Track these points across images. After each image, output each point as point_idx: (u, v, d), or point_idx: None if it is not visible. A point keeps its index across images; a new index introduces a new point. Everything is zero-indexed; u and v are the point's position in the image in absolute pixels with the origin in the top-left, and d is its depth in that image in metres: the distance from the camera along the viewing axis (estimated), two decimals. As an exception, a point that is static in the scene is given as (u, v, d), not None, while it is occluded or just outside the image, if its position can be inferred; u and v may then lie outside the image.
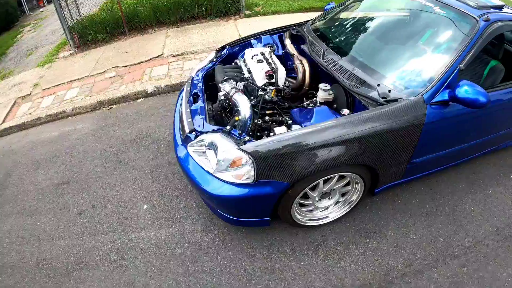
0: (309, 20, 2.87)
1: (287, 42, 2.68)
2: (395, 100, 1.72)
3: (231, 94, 2.00)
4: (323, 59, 2.16)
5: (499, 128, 2.23)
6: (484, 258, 1.98)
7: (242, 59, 2.51)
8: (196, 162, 1.82)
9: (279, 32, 2.81)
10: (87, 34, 4.84)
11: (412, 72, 1.86)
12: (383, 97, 1.77)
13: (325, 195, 1.98)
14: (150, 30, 5.09)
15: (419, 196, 2.33)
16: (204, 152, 1.82)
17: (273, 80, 2.20)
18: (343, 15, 2.65)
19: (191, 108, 2.09)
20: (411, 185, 2.38)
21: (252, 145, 1.61)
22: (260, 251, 2.02)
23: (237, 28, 5.12)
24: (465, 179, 2.45)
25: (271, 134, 1.94)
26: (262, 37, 2.75)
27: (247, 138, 1.69)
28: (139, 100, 3.67)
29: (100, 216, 2.35)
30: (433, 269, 1.93)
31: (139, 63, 4.18)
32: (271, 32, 2.81)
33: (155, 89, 3.71)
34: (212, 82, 2.49)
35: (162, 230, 2.18)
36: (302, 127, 1.79)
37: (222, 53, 2.69)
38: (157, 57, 4.30)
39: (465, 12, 1.89)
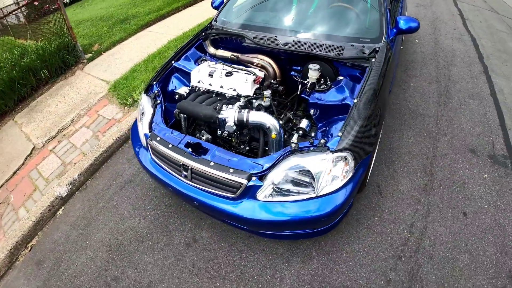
0: (211, 22, 2.69)
1: (212, 50, 2.52)
2: (373, 50, 2.02)
3: (245, 117, 1.79)
4: (284, 45, 2.20)
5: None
6: (448, 123, 2.79)
7: (197, 83, 2.17)
8: (292, 201, 1.57)
9: (193, 44, 2.55)
10: None
11: (364, 26, 2.21)
12: (363, 53, 2.03)
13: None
14: (-12, 130, 3.50)
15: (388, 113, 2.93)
16: (276, 190, 1.59)
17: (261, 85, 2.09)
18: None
19: (212, 159, 1.68)
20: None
21: (336, 142, 1.57)
22: (358, 230, 2.06)
23: (91, 75, 4.24)
24: (397, 86, 3.25)
25: (300, 132, 1.92)
26: (187, 54, 2.44)
27: (322, 140, 1.60)
28: (60, 212, 2.59)
29: None
30: (436, 149, 2.55)
31: (15, 172, 2.86)
32: (187, 47, 2.51)
33: (70, 186, 2.71)
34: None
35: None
36: (342, 105, 1.83)
37: (155, 92, 2.22)
38: (31, 153, 3.05)
39: None
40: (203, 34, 2.58)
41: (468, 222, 2.05)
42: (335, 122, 1.85)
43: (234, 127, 1.81)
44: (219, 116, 1.83)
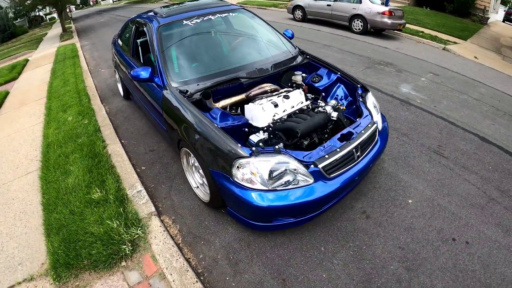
0: (187, 92, 2.64)
1: (216, 104, 2.70)
2: (301, 52, 3.41)
3: (336, 104, 2.82)
4: (267, 71, 2.98)
5: None
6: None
7: (273, 117, 2.55)
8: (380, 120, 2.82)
9: (196, 110, 2.53)
10: None
11: (281, 44, 3.44)
12: (300, 56, 3.30)
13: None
14: None
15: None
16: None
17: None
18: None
19: (360, 130, 2.47)
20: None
21: (361, 89, 2.92)
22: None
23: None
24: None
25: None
26: (221, 112, 2.48)
27: (359, 91, 2.91)
28: None
29: None
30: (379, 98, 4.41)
31: None
32: (198, 112, 2.46)
33: None
34: None
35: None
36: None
37: (254, 149, 2.16)
38: None
39: (230, 7, 3.65)
40: (195, 94, 2.63)
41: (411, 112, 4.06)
42: (336, 90, 3.08)
43: (337, 113, 2.66)
44: (330, 110, 2.70)
